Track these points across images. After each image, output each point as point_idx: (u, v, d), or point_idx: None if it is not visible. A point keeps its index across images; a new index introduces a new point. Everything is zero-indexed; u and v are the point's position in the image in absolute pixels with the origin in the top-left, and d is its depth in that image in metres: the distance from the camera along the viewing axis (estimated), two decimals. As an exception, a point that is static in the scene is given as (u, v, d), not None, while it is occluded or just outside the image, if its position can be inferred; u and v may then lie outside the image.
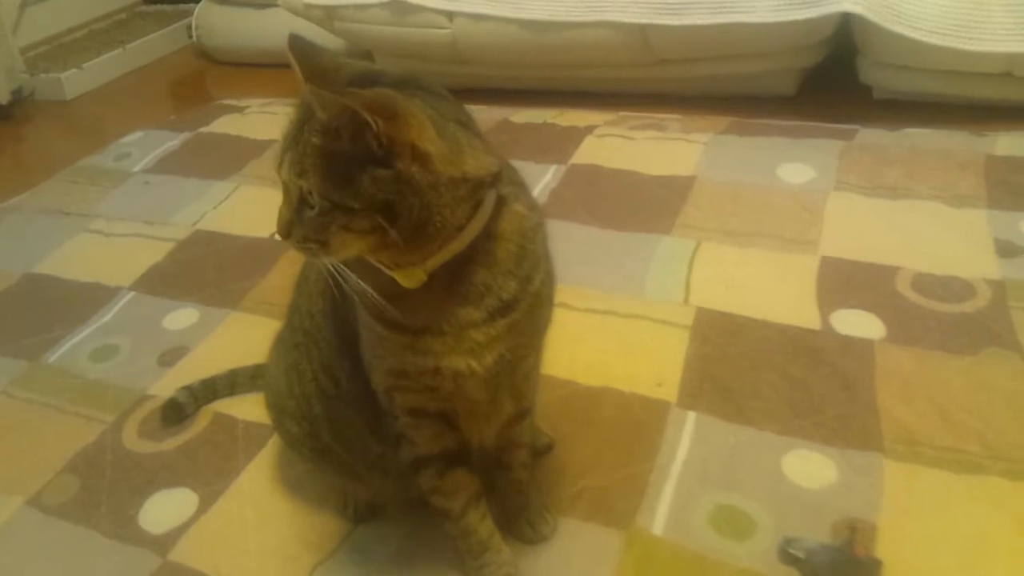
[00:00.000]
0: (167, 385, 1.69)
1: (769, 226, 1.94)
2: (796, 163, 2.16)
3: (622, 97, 2.71)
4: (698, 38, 2.45)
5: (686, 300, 1.74)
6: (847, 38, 2.42)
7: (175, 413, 1.62)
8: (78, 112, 3.51)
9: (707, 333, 1.64)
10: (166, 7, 4.24)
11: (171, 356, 1.80)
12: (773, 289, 1.74)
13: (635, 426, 1.46)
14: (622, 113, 2.58)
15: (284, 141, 0.97)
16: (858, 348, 1.56)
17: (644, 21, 2.46)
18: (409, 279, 1.00)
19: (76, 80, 3.58)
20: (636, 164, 2.26)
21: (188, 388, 1.65)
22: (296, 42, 0.99)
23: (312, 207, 0.93)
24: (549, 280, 1.10)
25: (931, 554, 1.19)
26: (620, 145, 2.39)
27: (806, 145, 2.25)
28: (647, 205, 2.07)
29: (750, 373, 1.54)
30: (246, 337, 1.80)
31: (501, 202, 1.01)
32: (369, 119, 0.87)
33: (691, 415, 1.46)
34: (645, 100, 2.66)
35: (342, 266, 1.00)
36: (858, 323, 1.62)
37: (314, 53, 0.99)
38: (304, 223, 0.95)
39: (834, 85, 2.59)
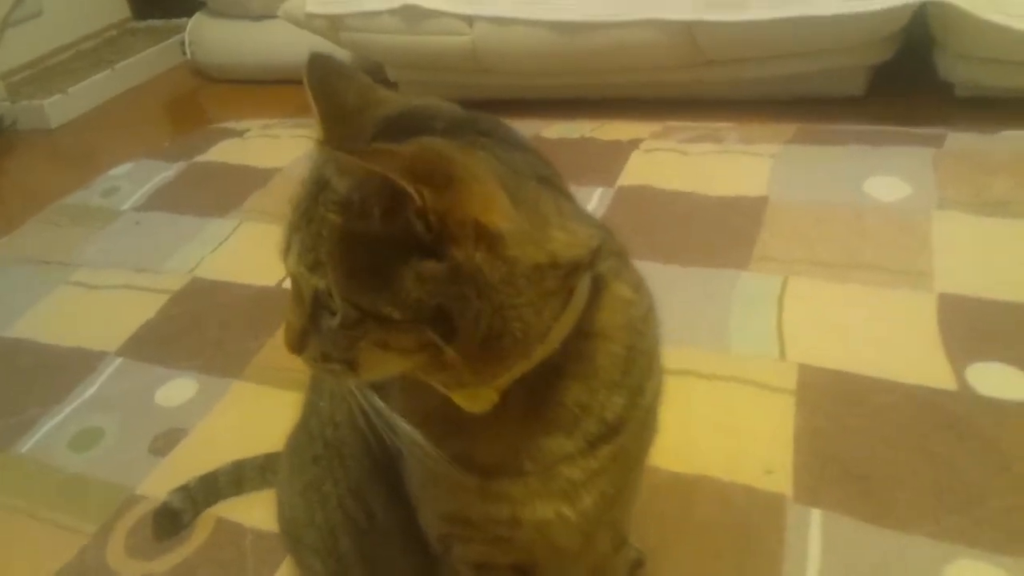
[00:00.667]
0: (160, 481, 1.41)
1: (867, 255, 1.63)
2: (884, 176, 1.85)
3: (666, 104, 2.40)
4: (753, 35, 2.15)
5: (783, 355, 1.44)
6: (921, 30, 2.12)
7: (169, 523, 1.33)
8: (63, 141, 3.23)
9: (817, 399, 1.34)
10: (157, 22, 3.97)
11: (164, 442, 1.51)
12: (887, 337, 1.44)
13: (743, 529, 1.16)
14: (669, 123, 2.28)
15: (292, 215, 0.67)
16: (1009, 414, 1.26)
17: (692, 18, 2.17)
18: (473, 402, 0.71)
19: (61, 106, 3.30)
20: (695, 184, 1.96)
21: (185, 489, 1.36)
22: (317, 64, 0.71)
23: (333, 313, 0.65)
24: (662, 384, 0.80)
25: None
26: (673, 161, 2.09)
27: (891, 154, 1.94)
28: (715, 233, 1.77)
29: (881, 453, 1.24)
30: (252, 414, 1.54)
31: (599, 285, 0.71)
32: (410, 189, 0.58)
33: (815, 514, 1.16)
34: (693, 107, 2.36)
35: (370, 391, 0.71)
36: (1002, 380, 1.32)
37: (339, 81, 0.71)
38: (322, 334, 0.67)
39: (908, 83, 2.29)
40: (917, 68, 2.24)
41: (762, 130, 2.17)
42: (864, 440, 1.26)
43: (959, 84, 2.18)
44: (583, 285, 0.69)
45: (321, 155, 0.64)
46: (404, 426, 0.74)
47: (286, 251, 0.67)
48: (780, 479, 1.22)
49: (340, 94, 0.71)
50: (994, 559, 1.06)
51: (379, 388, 0.74)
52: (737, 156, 2.06)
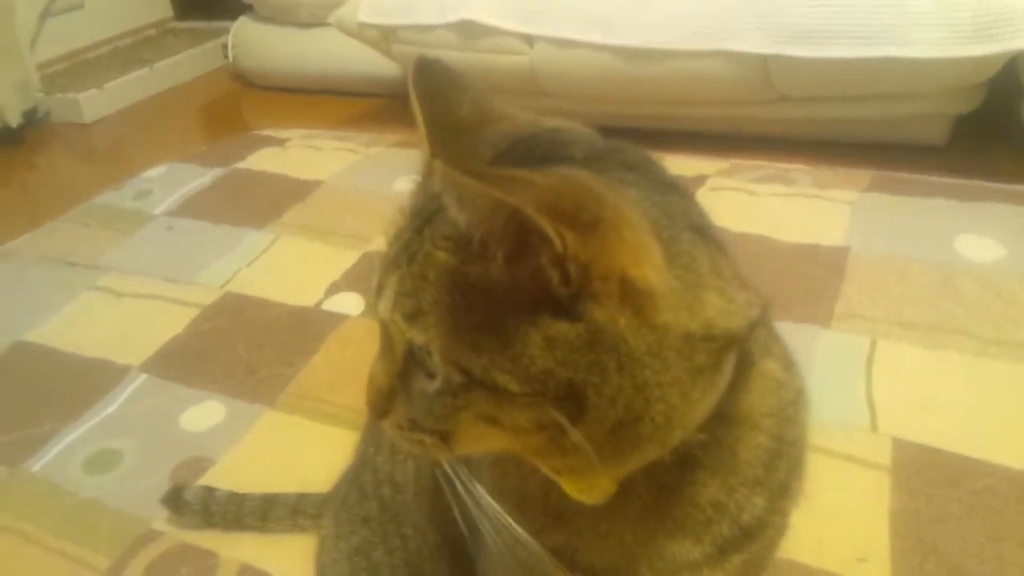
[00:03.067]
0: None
1: (959, 320, 1.50)
2: (976, 234, 1.72)
3: (734, 140, 2.29)
4: (833, 73, 2.03)
5: (874, 427, 1.30)
6: (1008, 80, 1.99)
7: (174, 504, 1.26)
8: (97, 138, 3.16)
9: (914, 479, 1.20)
10: (200, 24, 3.90)
11: (187, 471, 1.39)
12: (988, 413, 1.31)
13: (835, 625, 1.03)
14: (735, 160, 2.17)
15: (389, 249, 0.55)
16: None
17: (769, 51, 2.05)
18: (587, 493, 0.58)
19: (96, 101, 3.22)
20: (767, 227, 1.83)
21: (207, 491, 1.27)
22: (426, 68, 0.59)
23: (431, 376, 0.53)
24: (804, 483, 0.68)
25: None
26: (742, 201, 1.97)
27: (981, 210, 1.82)
28: (793, 284, 1.64)
29: (985, 545, 1.10)
30: (285, 447, 1.42)
31: (746, 361, 0.59)
32: (549, 229, 0.46)
33: (917, 614, 1.03)
34: (761, 145, 2.25)
35: (462, 465, 0.59)
36: (1118, 469, 1.18)
37: (452, 90, 0.60)
38: (414, 398, 0.55)
39: (991, 135, 2.16)
40: (1001, 120, 2.11)
41: (836, 175, 2.04)
42: (966, 529, 1.12)
43: (1053, 140, 2.05)
44: (729, 363, 0.56)
45: (436, 176, 0.51)
46: (495, 506, 0.61)
47: (378, 293, 0.55)
48: (875, 569, 1.09)
49: (453, 104, 0.60)
50: None
51: (469, 461, 0.62)
52: (811, 200, 1.94)
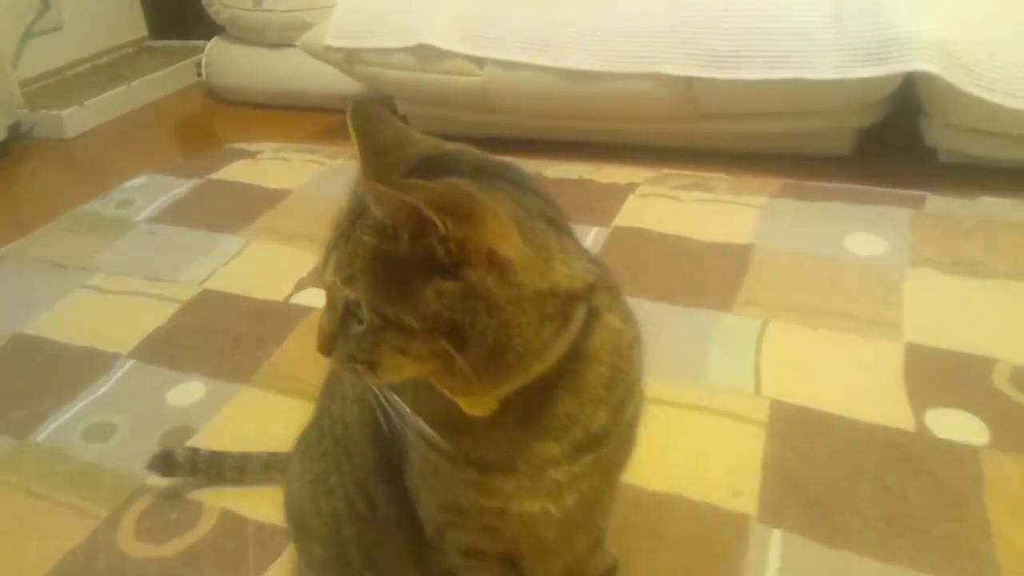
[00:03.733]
0: (168, 474, 1.50)
1: (841, 304, 1.75)
2: (864, 233, 1.98)
3: (662, 152, 2.53)
4: (748, 93, 2.28)
5: (757, 391, 1.54)
6: (909, 96, 2.25)
7: (164, 464, 1.46)
8: (79, 152, 3.33)
9: (786, 432, 1.44)
10: (175, 43, 4.09)
11: (174, 438, 1.60)
12: (856, 380, 1.55)
13: (710, 544, 1.26)
14: (664, 170, 2.41)
15: (332, 235, 0.78)
16: (961, 456, 1.36)
17: (692, 74, 2.29)
18: (476, 407, 0.81)
19: (77, 118, 3.41)
20: (686, 228, 2.07)
21: (194, 451, 1.48)
22: (360, 110, 0.81)
23: (360, 321, 0.75)
24: (642, 404, 0.91)
25: None
26: (667, 206, 2.21)
27: (872, 212, 2.07)
28: (703, 276, 1.89)
29: (841, 483, 1.34)
30: (258, 418, 1.62)
31: (593, 315, 0.82)
32: (435, 218, 0.68)
33: (776, 534, 1.26)
34: (687, 156, 2.49)
35: (389, 390, 0.82)
36: (958, 425, 1.43)
37: (379, 124, 0.81)
38: (350, 339, 0.77)
39: (894, 146, 2.41)
40: (904, 133, 2.36)
41: (751, 182, 2.29)
42: (826, 470, 1.36)
43: (942, 150, 2.31)
44: (579, 314, 0.79)
45: (362, 185, 0.74)
46: (416, 421, 0.84)
47: (324, 265, 0.77)
48: (746, 501, 1.32)
49: (379, 134, 0.82)
50: (934, 581, 1.17)
51: (395, 390, 0.84)
52: (726, 205, 2.18)
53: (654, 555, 1.25)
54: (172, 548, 1.37)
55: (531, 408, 0.82)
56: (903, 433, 1.42)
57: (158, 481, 1.49)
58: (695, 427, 1.48)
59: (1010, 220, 1.98)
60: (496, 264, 0.71)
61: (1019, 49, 2.05)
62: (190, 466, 1.47)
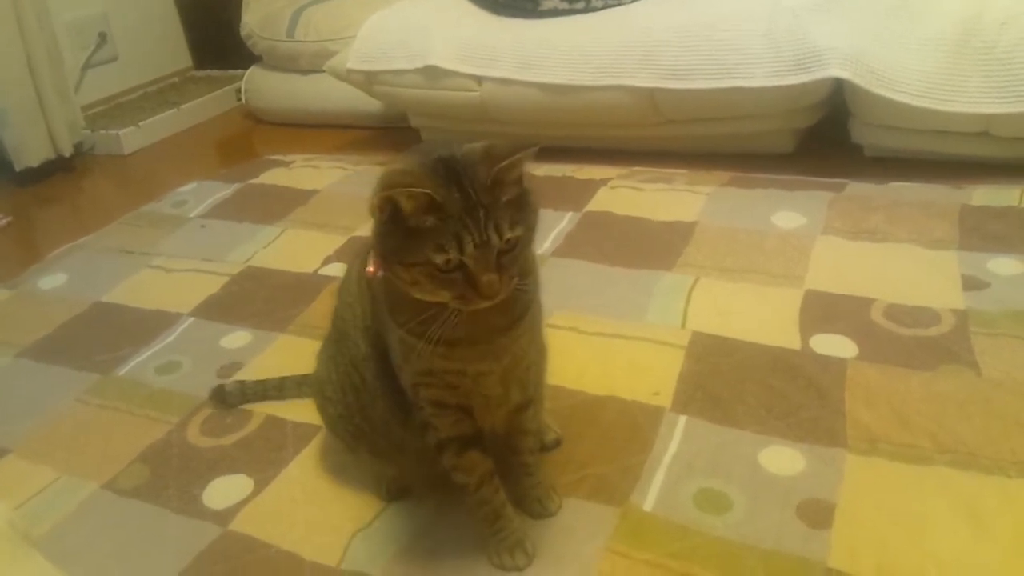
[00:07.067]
0: (225, 393, 1.93)
1: (760, 264, 2.15)
2: (789, 211, 2.38)
3: (634, 154, 2.93)
4: (701, 101, 2.67)
5: (683, 325, 1.95)
6: (842, 100, 2.65)
7: (219, 399, 1.88)
8: (135, 166, 3.77)
9: (701, 353, 1.85)
10: (215, 72, 4.54)
11: (228, 370, 2.03)
12: (761, 317, 1.95)
13: (633, 427, 1.66)
14: (634, 168, 2.81)
15: (473, 222, 1.11)
16: (832, 365, 1.76)
17: (652, 85, 2.69)
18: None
19: (133, 136, 3.85)
20: (645, 212, 2.49)
21: (240, 383, 1.90)
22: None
23: (512, 249, 1.14)
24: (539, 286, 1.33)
25: (881, 528, 1.38)
26: (631, 195, 2.62)
27: (800, 196, 2.47)
28: (653, 246, 2.30)
29: (736, 385, 1.74)
30: (294, 356, 2.01)
31: None
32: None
33: (682, 418, 1.67)
34: (654, 157, 2.88)
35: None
36: (834, 345, 1.83)
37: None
38: (504, 272, 1.13)
39: (829, 144, 2.79)
40: (838, 132, 2.75)
41: (705, 176, 2.69)
42: (727, 377, 1.77)
43: (867, 146, 2.71)
44: None
45: (484, 170, 1.14)
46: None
47: (485, 239, 1.11)
48: (663, 399, 1.73)
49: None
50: (795, 446, 1.56)
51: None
52: (681, 193, 2.59)
53: (591, 434, 1.66)
54: (229, 440, 1.79)
55: (496, 305, 1.19)
56: (790, 351, 1.82)
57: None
58: (631, 350, 1.89)
59: (912, 200, 2.37)
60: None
61: (921, 57, 2.44)
62: (240, 395, 1.89)
